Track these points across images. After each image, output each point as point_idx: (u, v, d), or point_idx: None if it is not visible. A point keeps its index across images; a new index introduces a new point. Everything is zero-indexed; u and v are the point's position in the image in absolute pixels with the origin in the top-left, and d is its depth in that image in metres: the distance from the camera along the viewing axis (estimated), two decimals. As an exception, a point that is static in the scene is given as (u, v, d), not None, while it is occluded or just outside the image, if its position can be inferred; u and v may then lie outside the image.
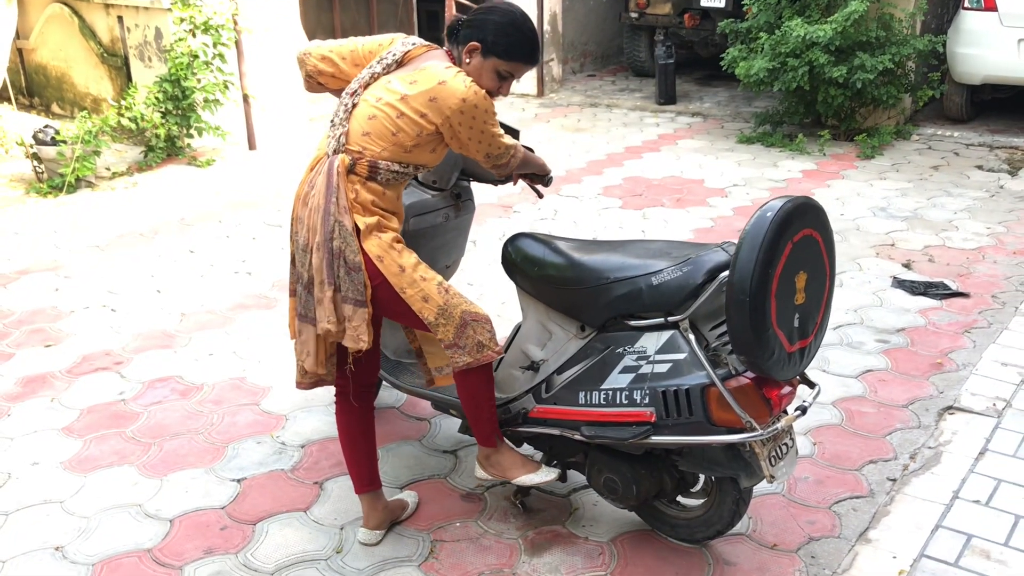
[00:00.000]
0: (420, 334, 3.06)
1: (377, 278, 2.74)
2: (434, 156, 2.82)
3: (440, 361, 3.05)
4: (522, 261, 3.02)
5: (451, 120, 2.69)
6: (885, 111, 7.99)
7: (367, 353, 2.86)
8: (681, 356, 2.67)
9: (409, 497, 3.24)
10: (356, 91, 2.78)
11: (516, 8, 2.85)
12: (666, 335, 2.71)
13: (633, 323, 2.77)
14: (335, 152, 2.74)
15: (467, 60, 2.78)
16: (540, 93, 9.96)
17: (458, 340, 2.77)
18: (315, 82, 2.96)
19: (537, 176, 3.20)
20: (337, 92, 2.93)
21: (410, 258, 2.78)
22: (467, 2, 9.00)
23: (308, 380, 2.92)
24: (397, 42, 2.88)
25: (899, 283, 5.06)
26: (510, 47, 2.77)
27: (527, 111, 9.39)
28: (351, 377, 2.91)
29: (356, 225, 2.71)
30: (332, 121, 2.79)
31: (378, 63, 2.81)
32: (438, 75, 2.69)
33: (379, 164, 2.72)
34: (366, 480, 3.06)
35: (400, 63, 2.80)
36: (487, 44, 2.75)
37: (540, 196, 3.49)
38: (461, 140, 2.75)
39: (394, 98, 2.71)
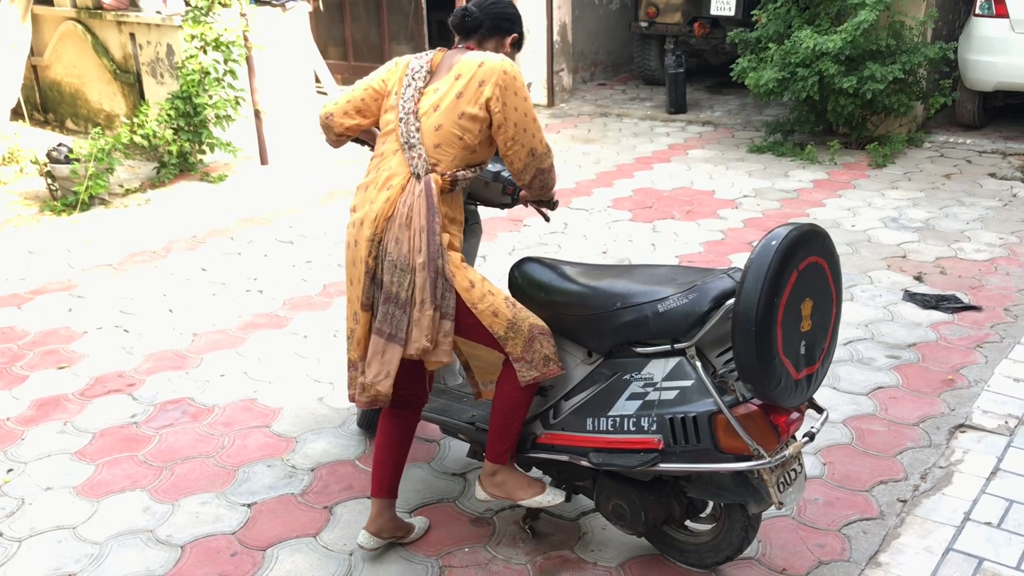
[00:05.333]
0: (466, 348, 3.10)
1: None
2: (492, 150, 2.96)
3: (487, 376, 3.10)
4: (528, 286, 3.02)
5: (502, 98, 2.82)
6: (896, 119, 7.96)
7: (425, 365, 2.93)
8: (688, 383, 2.67)
9: (418, 522, 3.25)
10: (414, 110, 2.87)
11: None
12: (673, 362, 2.71)
13: (640, 349, 2.77)
14: (426, 172, 2.82)
15: (507, 51, 3.02)
16: (550, 103, 9.96)
17: (526, 354, 2.83)
18: (344, 139, 3.10)
19: (543, 200, 3.22)
20: (362, 137, 3.14)
21: (476, 274, 2.89)
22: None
23: (366, 398, 2.92)
24: (410, 59, 2.99)
25: (910, 296, 5.04)
26: (523, 40, 3.12)
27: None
28: (412, 384, 2.98)
29: None
30: (408, 143, 2.85)
31: (413, 80, 2.91)
32: (476, 59, 2.87)
33: (457, 174, 2.86)
34: (385, 487, 3.09)
35: (431, 72, 2.93)
36: (520, 38, 3.09)
37: (547, 219, 3.50)
38: (509, 123, 2.83)
39: (450, 99, 2.84)
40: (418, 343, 2.79)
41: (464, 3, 3.19)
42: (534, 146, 2.91)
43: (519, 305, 2.90)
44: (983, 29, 7.83)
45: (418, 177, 2.82)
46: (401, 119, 2.87)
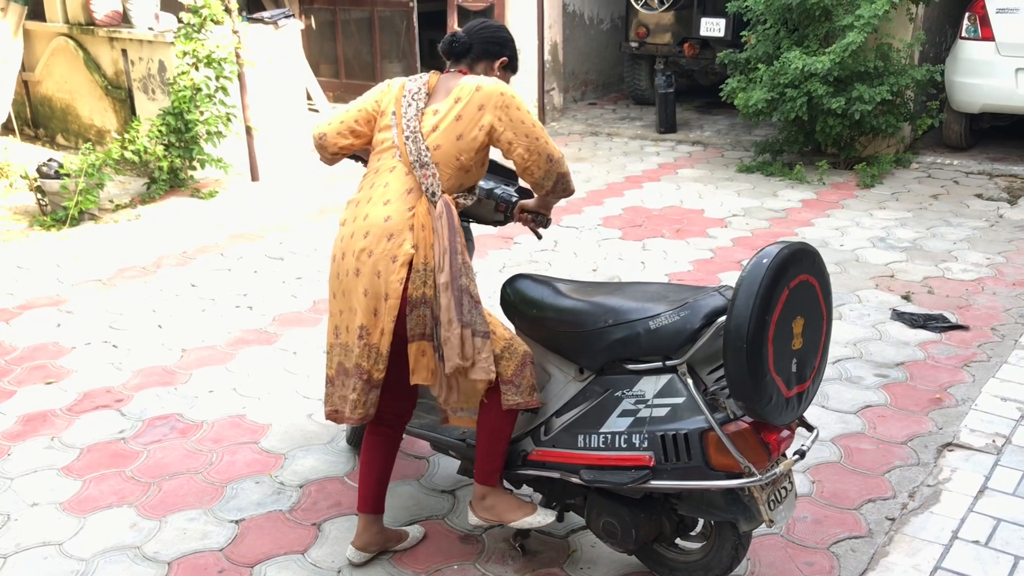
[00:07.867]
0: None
1: None
2: (483, 169, 2.99)
3: (466, 401, 3.04)
4: (520, 303, 3.03)
5: (505, 117, 2.84)
6: (884, 139, 8.02)
7: (409, 383, 2.93)
8: (679, 400, 2.68)
9: (412, 530, 3.26)
10: (419, 128, 2.88)
11: None
12: (664, 379, 2.72)
13: (631, 367, 2.78)
14: (441, 191, 2.84)
15: (497, 74, 3.04)
16: (541, 121, 10.00)
17: (515, 378, 2.86)
18: (339, 157, 3.10)
19: (539, 216, 3.24)
20: (358, 154, 3.13)
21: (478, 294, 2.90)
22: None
23: (358, 415, 2.92)
24: (405, 81, 3.00)
25: (898, 315, 5.07)
26: (517, 62, 3.17)
27: (528, 140, 9.43)
28: (395, 404, 3.01)
29: None
30: (419, 161, 2.84)
31: (414, 100, 2.92)
32: (473, 83, 2.91)
33: (458, 199, 2.90)
34: (370, 502, 3.11)
35: (429, 94, 2.95)
36: (512, 60, 3.12)
37: (539, 237, 3.51)
38: (519, 137, 2.85)
39: (449, 120, 2.86)
40: (451, 361, 2.80)
41: (455, 27, 3.22)
42: (550, 152, 2.92)
43: (512, 330, 2.93)
44: (969, 52, 7.91)
45: (432, 196, 2.83)
46: (407, 137, 2.87)
